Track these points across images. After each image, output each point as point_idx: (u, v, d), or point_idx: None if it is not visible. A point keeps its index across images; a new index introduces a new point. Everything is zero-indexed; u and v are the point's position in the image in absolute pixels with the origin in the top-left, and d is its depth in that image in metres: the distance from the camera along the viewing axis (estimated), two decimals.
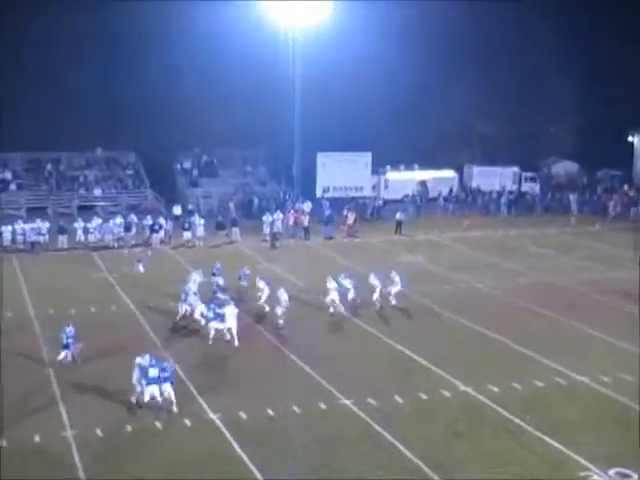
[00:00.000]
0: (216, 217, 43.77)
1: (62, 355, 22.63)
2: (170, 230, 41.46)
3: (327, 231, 43.31)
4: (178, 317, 26.48)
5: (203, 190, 53.14)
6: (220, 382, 21.42)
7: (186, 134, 53.03)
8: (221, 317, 24.43)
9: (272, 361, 23.31)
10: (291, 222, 43.42)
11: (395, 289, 29.26)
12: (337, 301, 27.67)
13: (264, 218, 42.37)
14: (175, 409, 19.37)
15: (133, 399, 19.61)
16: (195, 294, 26.79)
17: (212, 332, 24.41)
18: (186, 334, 25.41)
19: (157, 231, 40.29)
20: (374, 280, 28.52)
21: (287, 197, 51.67)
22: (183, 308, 26.52)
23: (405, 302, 29.57)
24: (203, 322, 25.06)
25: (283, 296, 26.43)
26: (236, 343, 24.24)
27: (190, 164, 55.39)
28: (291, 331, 25.94)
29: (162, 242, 40.48)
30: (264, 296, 27.60)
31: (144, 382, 19.25)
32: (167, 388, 19.31)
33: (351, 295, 28.23)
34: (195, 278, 28.13)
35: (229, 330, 24.48)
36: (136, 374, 19.50)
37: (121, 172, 53.60)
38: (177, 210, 46.47)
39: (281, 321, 26.05)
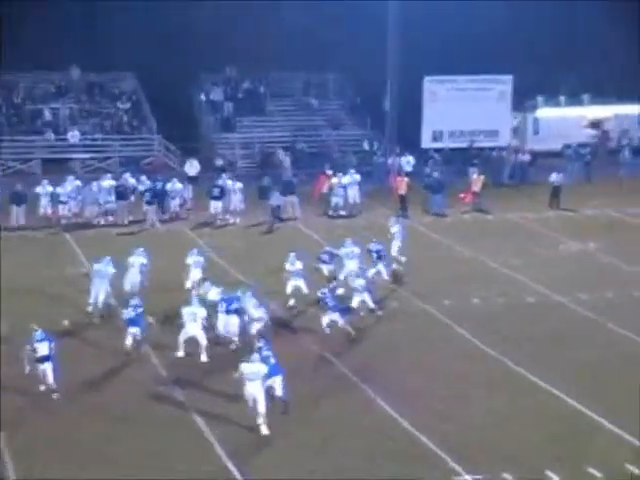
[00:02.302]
0: (260, 179, 43.78)
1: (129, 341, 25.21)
2: (188, 199, 41.67)
3: (438, 202, 43.28)
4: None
5: (242, 136, 53.32)
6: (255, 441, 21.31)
7: (215, 47, 53.16)
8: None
9: (347, 405, 23.13)
10: (401, 191, 42.78)
11: (396, 246, 32.58)
12: None
13: (334, 181, 42.56)
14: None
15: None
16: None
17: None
18: (195, 364, 25.51)
19: (151, 203, 40.14)
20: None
21: (375, 148, 51.55)
22: None
23: (565, 314, 29.62)
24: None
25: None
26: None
27: (221, 94, 55.65)
28: (371, 357, 25.94)
29: (174, 218, 40.92)
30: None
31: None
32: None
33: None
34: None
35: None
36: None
37: (111, 106, 54.08)
38: (191, 169, 46.72)
39: None
